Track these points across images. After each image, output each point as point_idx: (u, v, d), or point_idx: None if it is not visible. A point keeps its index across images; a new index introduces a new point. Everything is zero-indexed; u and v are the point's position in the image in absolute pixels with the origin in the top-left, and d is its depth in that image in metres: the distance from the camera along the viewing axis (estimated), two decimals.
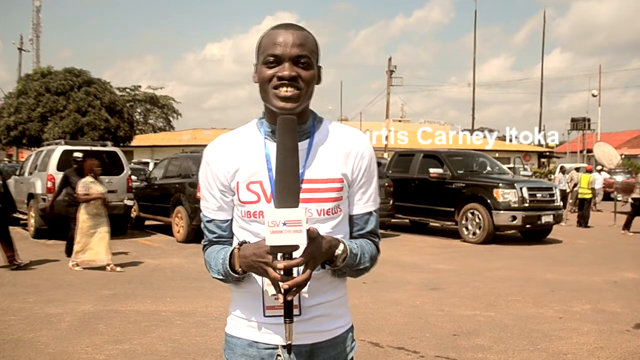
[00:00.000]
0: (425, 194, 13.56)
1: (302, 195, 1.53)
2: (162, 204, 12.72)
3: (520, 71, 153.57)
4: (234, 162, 1.66)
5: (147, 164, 24.36)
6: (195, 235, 11.70)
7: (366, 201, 1.72)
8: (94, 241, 8.53)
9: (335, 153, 1.66)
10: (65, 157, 11.95)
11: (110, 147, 12.96)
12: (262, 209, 1.60)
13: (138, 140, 30.33)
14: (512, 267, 9.58)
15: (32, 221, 12.43)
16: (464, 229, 12.71)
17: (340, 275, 1.67)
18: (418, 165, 14.04)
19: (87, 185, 8.49)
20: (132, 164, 20.32)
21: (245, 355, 1.68)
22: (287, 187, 1.47)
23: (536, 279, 8.48)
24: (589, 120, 42.34)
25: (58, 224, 11.99)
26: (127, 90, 49.21)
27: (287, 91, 1.56)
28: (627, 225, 14.58)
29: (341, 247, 1.58)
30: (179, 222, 12.02)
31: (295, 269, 1.47)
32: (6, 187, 8.79)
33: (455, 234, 13.10)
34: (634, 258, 10.60)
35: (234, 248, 1.61)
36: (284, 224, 1.41)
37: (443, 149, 15.94)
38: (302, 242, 1.43)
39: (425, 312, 6.35)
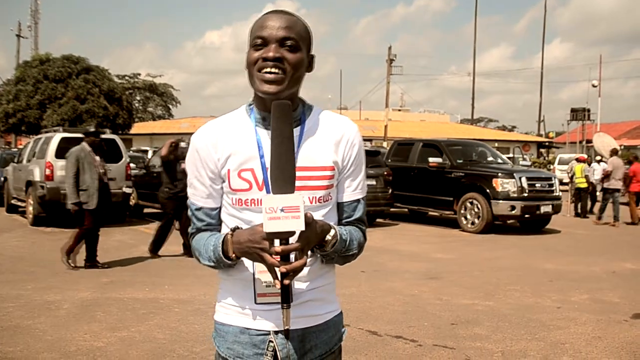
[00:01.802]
0: (424, 183, 13.55)
1: (295, 183, 1.52)
2: None
3: (521, 61, 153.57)
4: (224, 150, 1.63)
5: (146, 151, 24.29)
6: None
7: (354, 189, 1.72)
8: None
9: (326, 141, 1.66)
10: (64, 144, 11.92)
11: (108, 135, 12.90)
12: (254, 196, 1.60)
13: (137, 128, 30.28)
14: (510, 256, 9.59)
15: (30, 209, 12.42)
16: (462, 218, 12.71)
17: (328, 262, 1.67)
18: (417, 154, 14.02)
19: None
20: (130, 152, 20.28)
21: (237, 342, 1.67)
22: (284, 173, 1.47)
23: (535, 268, 8.49)
24: (588, 110, 42.22)
25: (56, 211, 12.00)
26: (127, 78, 49.08)
27: (270, 73, 1.55)
28: (597, 213, 14.94)
29: (332, 232, 1.58)
30: None
31: (291, 255, 1.47)
32: (107, 180, 8.17)
33: (454, 224, 13.10)
34: (632, 248, 10.62)
35: (227, 234, 1.59)
36: (282, 210, 1.41)
37: (443, 138, 15.89)
38: (300, 227, 1.43)
39: (424, 301, 6.36)
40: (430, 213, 14.37)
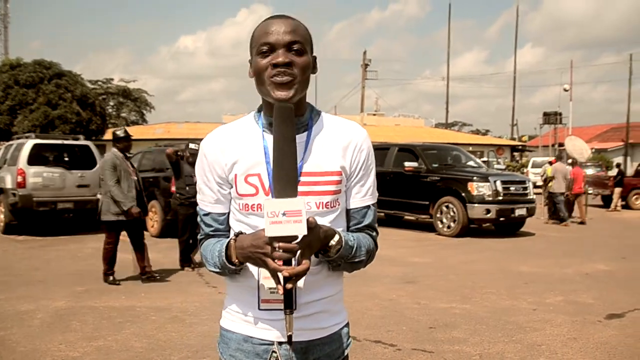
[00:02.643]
0: (400, 188, 13.61)
1: (301, 188, 1.52)
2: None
3: (493, 65, 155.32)
4: (231, 155, 1.63)
5: None
6: (169, 229, 11.59)
7: (364, 195, 1.70)
8: None
9: (333, 146, 1.64)
10: (37, 150, 11.75)
11: (82, 141, 12.76)
12: (260, 201, 1.58)
13: (110, 134, 29.93)
14: (486, 259, 9.68)
15: (1, 216, 12.19)
16: (438, 222, 12.80)
17: (335, 269, 1.65)
18: (393, 158, 14.08)
19: None
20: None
21: (240, 350, 1.66)
22: (285, 176, 1.46)
23: (510, 271, 8.58)
24: (560, 114, 42.91)
25: (28, 219, 11.81)
26: (99, 83, 48.44)
27: (283, 78, 1.54)
28: (553, 216, 15.41)
29: (336, 237, 1.56)
30: (153, 216, 11.90)
31: (293, 260, 1.46)
32: (141, 187, 7.73)
33: (430, 227, 13.18)
34: (605, 250, 10.79)
35: (230, 239, 1.59)
36: (284, 214, 1.40)
37: (418, 142, 16.01)
38: (302, 232, 1.41)
39: (402, 306, 6.38)
40: (407, 217, 14.45)
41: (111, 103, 49.69)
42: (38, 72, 23.23)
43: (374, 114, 58.03)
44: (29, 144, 11.86)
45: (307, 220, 1.42)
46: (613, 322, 5.81)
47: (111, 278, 7.29)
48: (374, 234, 1.75)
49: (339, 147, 1.64)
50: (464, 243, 11.65)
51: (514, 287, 7.39)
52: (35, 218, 11.83)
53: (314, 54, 1.67)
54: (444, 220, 12.68)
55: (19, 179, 11.45)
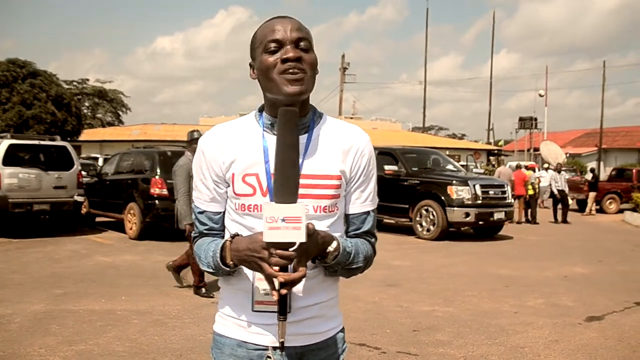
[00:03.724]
0: (380, 191, 13.46)
1: (299, 191, 1.49)
2: (114, 200, 12.41)
3: (469, 70, 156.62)
4: (230, 153, 1.60)
5: (96, 159, 23.71)
6: (148, 232, 11.48)
7: (364, 200, 1.69)
8: None
9: (334, 149, 1.62)
10: (12, 151, 11.54)
11: (59, 142, 12.55)
12: (257, 202, 1.56)
13: (86, 135, 29.54)
14: (466, 263, 9.75)
15: None
16: (418, 225, 12.87)
17: (332, 274, 1.63)
18: None
19: None
20: (81, 160, 19.78)
21: (233, 355, 1.63)
22: (287, 182, 1.43)
23: (490, 274, 8.65)
24: (535, 119, 43.51)
25: (3, 221, 11.59)
26: (75, 83, 47.88)
27: (294, 73, 1.52)
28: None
29: (334, 244, 1.54)
30: (132, 218, 11.76)
31: (289, 266, 1.43)
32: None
33: (409, 231, 13.25)
34: (581, 253, 10.95)
35: (226, 240, 1.56)
36: (283, 220, 1.37)
37: (398, 146, 16.07)
38: (300, 238, 1.38)
39: (385, 309, 6.39)
40: (386, 220, 14.48)
41: (87, 104, 49.13)
42: (12, 71, 22.85)
43: (352, 117, 58.18)
44: (4, 144, 11.62)
45: (306, 226, 1.39)
46: (593, 325, 5.89)
47: (204, 290, 6.73)
48: (373, 239, 1.73)
49: (340, 150, 1.62)
50: (444, 246, 11.72)
51: (494, 290, 7.46)
52: (10, 220, 11.61)
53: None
54: (424, 223, 12.75)
55: None
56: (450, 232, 12.77)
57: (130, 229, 11.79)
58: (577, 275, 8.62)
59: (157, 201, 11.15)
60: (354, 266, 1.62)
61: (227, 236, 1.63)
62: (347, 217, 1.68)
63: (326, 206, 1.60)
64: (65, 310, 5.98)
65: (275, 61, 1.53)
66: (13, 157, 11.57)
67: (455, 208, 12.27)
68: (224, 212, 1.68)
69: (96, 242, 11.35)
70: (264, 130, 1.62)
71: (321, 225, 1.55)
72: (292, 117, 1.45)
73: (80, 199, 12.16)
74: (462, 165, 19.03)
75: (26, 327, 5.37)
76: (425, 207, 12.69)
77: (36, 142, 12.33)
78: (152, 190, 11.20)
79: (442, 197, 12.41)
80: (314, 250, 1.49)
